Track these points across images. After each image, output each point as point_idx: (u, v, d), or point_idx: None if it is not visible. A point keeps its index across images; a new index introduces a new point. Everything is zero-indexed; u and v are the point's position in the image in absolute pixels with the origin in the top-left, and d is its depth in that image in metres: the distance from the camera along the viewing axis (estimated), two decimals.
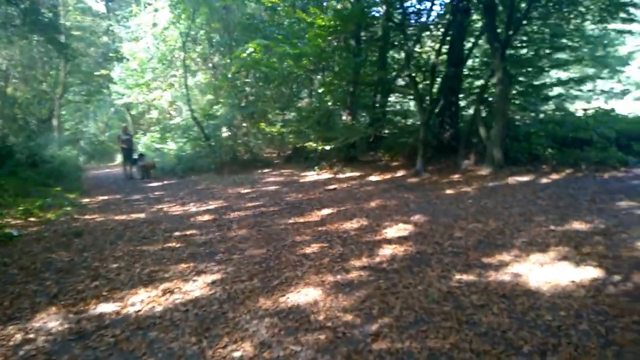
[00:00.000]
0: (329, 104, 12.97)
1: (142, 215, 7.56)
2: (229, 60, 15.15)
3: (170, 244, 5.64)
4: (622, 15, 9.91)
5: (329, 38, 11.43)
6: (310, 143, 12.26)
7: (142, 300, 3.91)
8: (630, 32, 11.54)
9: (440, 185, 8.73)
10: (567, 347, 2.84)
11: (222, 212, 7.45)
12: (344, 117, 13.17)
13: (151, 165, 13.66)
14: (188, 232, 6.21)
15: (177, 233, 6.20)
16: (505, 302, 3.52)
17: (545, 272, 4.05)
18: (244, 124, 15.78)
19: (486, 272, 4.15)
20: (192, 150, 15.27)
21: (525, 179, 8.65)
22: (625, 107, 12.58)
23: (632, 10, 9.86)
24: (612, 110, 11.64)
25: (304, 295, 3.85)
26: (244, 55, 11.79)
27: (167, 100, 18.12)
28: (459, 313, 3.38)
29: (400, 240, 5.30)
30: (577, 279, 3.84)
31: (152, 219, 7.24)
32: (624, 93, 13.86)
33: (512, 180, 8.60)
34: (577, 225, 5.41)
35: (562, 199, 6.89)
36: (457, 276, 4.08)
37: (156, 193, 10.15)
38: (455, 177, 9.42)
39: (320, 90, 13.04)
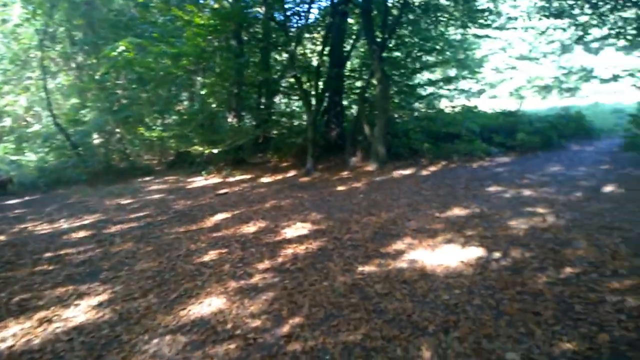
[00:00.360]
0: (213, 105, 12.50)
1: (2, 238, 6.49)
2: (95, 60, 13.78)
3: (41, 267, 4.91)
4: (481, 21, 11.16)
5: (209, 37, 11.01)
6: (195, 147, 11.68)
7: (14, 334, 3.32)
8: (486, 36, 13.05)
9: (331, 182, 8.91)
10: (466, 322, 3.04)
11: (101, 227, 6.71)
12: (229, 119, 12.80)
13: (7, 180, 11.84)
14: (62, 252, 5.46)
15: (48, 254, 5.42)
16: (407, 287, 3.67)
17: (437, 255, 4.32)
18: (118, 130, 14.48)
19: (385, 261, 4.29)
20: (57, 161, 13.56)
21: (408, 172, 9.23)
22: (482, 105, 14.18)
23: (488, 16, 11.18)
24: (475, 107, 13.08)
25: (207, 305, 3.60)
26: (114, 54, 10.80)
27: (23, 105, 15.92)
28: (367, 303, 3.43)
29: (300, 239, 5.26)
30: (464, 259, 4.15)
31: (15, 240, 6.25)
32: (480, 92, 15.67)
33: (396, 174, 9.12)
34: (458, 211, 5.89)
35: (442, 188, 7.47)
36: (360, 268, 4.16)
37: (16, 211, 8.82)
38: (345, 174, 9.71)
39: (202, 92, 12.51)
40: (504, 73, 17.75)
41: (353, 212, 6.34)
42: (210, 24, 10.13)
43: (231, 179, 10.44)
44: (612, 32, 9.13)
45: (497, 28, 12.43)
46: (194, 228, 6.17)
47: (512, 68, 17.59)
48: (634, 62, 11.27)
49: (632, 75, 10.80)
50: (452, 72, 14.51)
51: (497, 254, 4.22)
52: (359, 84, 13.31)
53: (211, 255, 4.87)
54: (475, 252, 4.31)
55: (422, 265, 4.11)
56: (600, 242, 4.28)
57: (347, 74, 12.95)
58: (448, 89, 13.93)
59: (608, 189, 6.46)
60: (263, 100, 13.69)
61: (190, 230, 6.09)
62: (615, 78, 11.19)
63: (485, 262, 4.07)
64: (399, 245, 4.73)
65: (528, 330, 2.88)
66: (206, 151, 11.17)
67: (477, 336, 2.86)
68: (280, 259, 4.59)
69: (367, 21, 10.07)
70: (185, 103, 15.25)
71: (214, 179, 10.69)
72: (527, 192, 6.64)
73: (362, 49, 13.52)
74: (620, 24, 8.83)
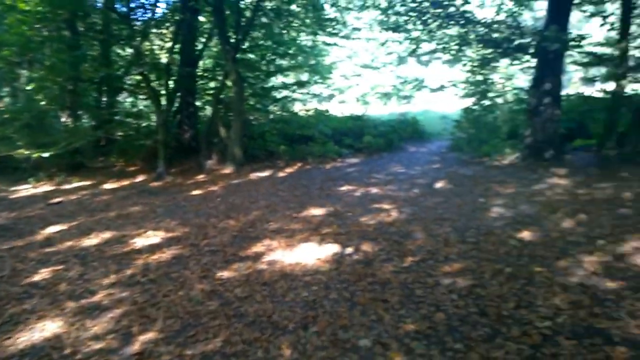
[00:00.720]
0: (42, 103, 10.96)
1: None
2: None
3: None
4: (329, 29, 11.80)
5: (37, 26, 9.64)
6: (20, 151, 10.06)
7: None
8: (335, 44, 13.84)
9: (186, 187, 8.51)
10: (324, 316, 3.14)
11: None
12: (63, 119, 11.36)
13: None
14: None
15: None
16: (267, 288, 3.66)
17: (295, 255, 4.40)
18: None
19: (245, 264, 4.23)
20: None
21: (265, 174, 9.29)
22: (333, 109, 15.05)
23: (336, 25, 11.89)
24: (327, 111, 13.81)
25: (39, 331, 3.11)
26: None
27: None
28: (226, 308, 3.34)
29: (152, 248, 4.88)
30: (321, 256, 4.30)
31: None
32: (331, 97, 16.58)
33: (253, 176, 9.11)
34: (314, 211, 6.09)
35: (298, 189, 7.67)
36: (219, 273, 4.03)
37: None
38: (201, 177, 9.36)
39: (28, 88, 10.88)
40: (350, 80, 18.97)
41: (210, 216, 6.14)
42: (37, 11, 8.88)
43: (67, 186, 9.26)
44: (439, 46, 10.46)
45: (343, 37, 13.29)
46: (21, 244, 5.30)
47: (358, 75, 18.88)
48: (456, 74, 13.05)
49: (455, 85, 12.52)
50: (305, 77, 15.07)
51: (350, 249, 4.47)
52: (213, 84, 12.97)
53: (43, 274, 4.23)
54: (331, 249, 4.50)
55: (282, 265, 4.15)
56: (434, 232, 4.82)
57: (200, 73, 12.51)
58: (301, 93, 14.46)
59: (439, 185, 7.35)
60: (104, 99, 12.45)
61: (15, 246, 5.21)
62: (441, 88, 12.82)
63: (340, 257, 4.27)
64: (258, 247, 4.71)
65: (378, 317, 3.09)
66: (34, 155, 9.69)
67: (334, 328, 2.97)
68: (129, 272, 4.19)
69: (220, 20, 9.87)
70: (7, 100, 13.08)
71: (45, 187, 9.36)
72: (374, 190, 7.19)
73: (215, 49, 13.19)
74: (445, 39, 10.14)
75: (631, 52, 8.23)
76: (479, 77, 11.31)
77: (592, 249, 4.01)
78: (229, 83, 10.50)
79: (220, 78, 11.56)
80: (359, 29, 13.53)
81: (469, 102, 11.66)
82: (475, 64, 10.90)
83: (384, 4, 10.21)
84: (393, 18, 9.93)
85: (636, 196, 5.64)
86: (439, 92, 13.29)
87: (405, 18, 9.59)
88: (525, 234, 4.55)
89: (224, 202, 7.00)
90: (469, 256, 4.08)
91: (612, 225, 4.62)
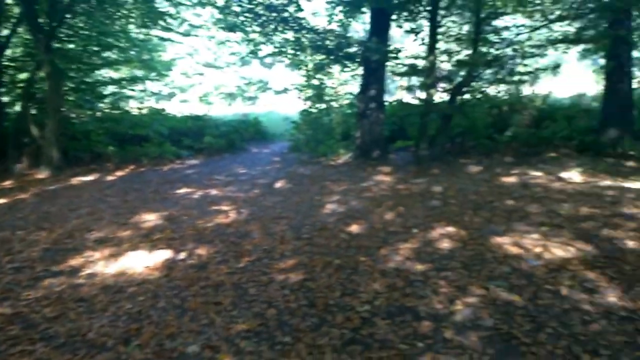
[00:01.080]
0: None
1: None
2: None
3: None
4: (162, 23, 11.08)
5: None
6: None
7: None
8: (170, 40, 13.17)
9: None
10: (149, 326, 2.94)
11: None
12: None
13: None
14: None
15: None
16: (84, 305, 3.28)
17: (121, 265, 4.05)
18: None
19: (58, 280, 3.74)
20: None
21: (90, 178, 8.39)
22: (173, 108, 14.34)
23: (170, 20, 11.23)
24: (163, 109, 13.05)
25: None
26: None
27: None
28: (31, 332, 2.91)
29: None
30: (151, 264, 4.02)
31: None
32: (171, 95, 15.80)
33: (75, 180, 8.15)
34: (146, 216, 5.68)
35: (129, 193, 7.09)
36: (24, 293, 3.48)
37: None
38: (7, 183, 8.00)
39: None
40: (192, 78, 18.40)
41: (16, 228, 5.27)
42: None
43: None
44: (277, 50, 10.71)
45: (181, 33, 12.71)
46: None
47: (200, 74, 18.41)
48: (298, 78, 13.58)
49: (297, 88, 13.03)
50: (139, 73, 13.99)
51: (183, 254, 4.26)
52: (23, 76, 11.18)
53: None
54: (162, 255, 4.23)
55: (103, 277, 3.75)
56: (272, 231, 4.89)
57: (6, 63, 10.66)
58: (137, 90, 13.45)
59: (279, 184, 7.51)
60: None
61: None
62: (285, 90, 13.23)
63: (172, 263, 4.04)
64: (76, 260, 4.19)
65: (210, 321, 2.98)
66: None
67: (160, 338, 2.79)
68: None
69: (28, 4, 8.56)
70: None
71: None
72: (214, 192, 7.02)
73: (26, 36, 11.38)
74: (283, 43, 10.40)
75: (438, 65, 9.51)
76: (315, 82, 11.90)
77: (407, 237, 4.50)
78: (42, 75, 9.17)
79: (31, 69, 10.00)
80: (198, 26, 13.08)
81: (309, 104, 12.19)
82: (311, 68, 11.43)
83: (221, 2, 10.02)
84: (230, 18, 9.82)
85: (444, 189, 6.51)
86: (283, 94, 13.68)
87: (242, 19, 9.57)
88: (354, 227, 4.90)
89: (35, 211, 6.07)
90: (303, 251, 4.22)
91: (424, 215, 5.25)
